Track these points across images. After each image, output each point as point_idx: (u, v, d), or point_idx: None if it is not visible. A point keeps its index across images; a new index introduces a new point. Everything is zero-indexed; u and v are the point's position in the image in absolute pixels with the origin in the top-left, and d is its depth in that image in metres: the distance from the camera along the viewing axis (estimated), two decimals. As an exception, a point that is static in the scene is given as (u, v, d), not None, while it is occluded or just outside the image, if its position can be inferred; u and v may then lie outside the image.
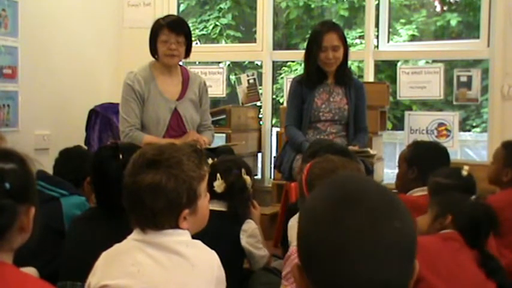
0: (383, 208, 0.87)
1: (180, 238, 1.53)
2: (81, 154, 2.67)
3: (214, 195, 2.28)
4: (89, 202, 2.39)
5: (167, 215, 1.51)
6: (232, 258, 2.21)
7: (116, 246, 1.55)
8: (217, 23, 8.21)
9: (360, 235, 0.84)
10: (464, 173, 2.01)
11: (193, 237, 1.58)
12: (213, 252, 1.58)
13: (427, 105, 6.52)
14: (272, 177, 4.26)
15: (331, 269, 0.84)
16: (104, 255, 1.54)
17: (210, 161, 2.48)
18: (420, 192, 2.49)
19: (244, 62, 6.78)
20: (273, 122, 4.59)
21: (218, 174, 2.28)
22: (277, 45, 6.38)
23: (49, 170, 2.59)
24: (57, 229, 2.18)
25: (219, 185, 2.27)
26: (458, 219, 1.91)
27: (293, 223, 2.17)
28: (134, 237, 1.53)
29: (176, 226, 1.52)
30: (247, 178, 2.35)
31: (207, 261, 1.55)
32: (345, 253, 0.84)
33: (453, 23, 7.50)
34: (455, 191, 2.01)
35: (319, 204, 0.91)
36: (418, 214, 2.18)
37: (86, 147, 3.79)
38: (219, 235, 2.12)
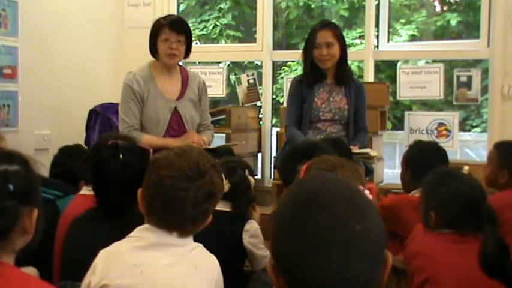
0: (344, 212, 0.90)
1: (185, 241, 1.53)
2: (81, 153, 2.65)
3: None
4: None
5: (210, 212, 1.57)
6: (234, 258, 2.22)
7: (116, 245, 1.54)
8: (217, 23, 8.20)
9: (321, 239, 0.87)
10: (465, 173, 2.01)
11: (197, 236, 1.59)
12: (213, 256, 1.59)
13: (427, 105, 6.52)
14: (272, 177, 4.26)
15: (298, 272, 0.88)
16: (103, 254, 1.53)
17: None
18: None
19: (244, 62, 6.77)
20: (273, 122, 4.59)
21: (222, 175, 2.28)
22: (277, 45, 6.37)
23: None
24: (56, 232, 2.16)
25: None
26: (440, 213, 1.91)
27: None
28: (137, 237, 1.53)
29: None
30: (251, 179, 2.36)
31: (208, 264, 1.56)
32: (310, 257, 0.87)
33: (453, 23, 7.49)
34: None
35: (285, 207, 0.94)
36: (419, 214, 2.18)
37: (86, 147, 3.80)
38: (222, 235, 2.12)
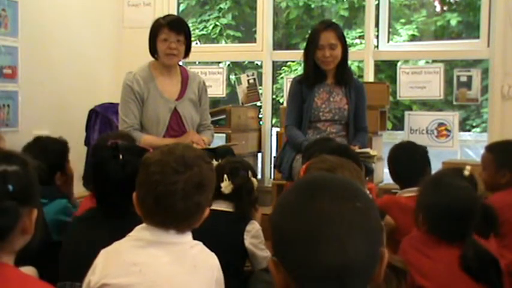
0: (344, 192, 0.95)
1: (183, 239, 1.53)
2: (56, 147, 2.54)
3: (219, 196, 2.27)
4: (64, 192, 2.40)
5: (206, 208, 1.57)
6: (235, 258, 2.21)
7: (116, 244, 1.54)
8: (217, 23, 8.20)
9: (323, 217, 0.91)
10: (466, 173, 2.00)
11: (199, 236, 1.59)
12: (213, 254, 1.59)
13: (427, 105, 6.52)
14: (272, 177, 4.26)
15: (302, 255, 0.90)
16: (104, 253, 1.54)
17: (214, 162, 2.49)
18: (408, 193, 2.49)
19: (244, 62, 6.77)
20: (273, 122, 4.59)
21: (225, 175, 2.28)
22: (277, 45, 6.37)
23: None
24: (42, 240, 2.11)
25: (226, 186, 2.26)
26: (427, 217, 1.91)
27: None
28: (136, 236, 1.53)
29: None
30: (254, 180, 2.35)
31: (208, 263, 1.56)
32: (312, 237, 0.90)
33: (453, 23, 7.49)
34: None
35: (287, 197, 0.98)
36: (405, 215, 2.18)
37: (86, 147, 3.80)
38: (223, 235, 2.12)
